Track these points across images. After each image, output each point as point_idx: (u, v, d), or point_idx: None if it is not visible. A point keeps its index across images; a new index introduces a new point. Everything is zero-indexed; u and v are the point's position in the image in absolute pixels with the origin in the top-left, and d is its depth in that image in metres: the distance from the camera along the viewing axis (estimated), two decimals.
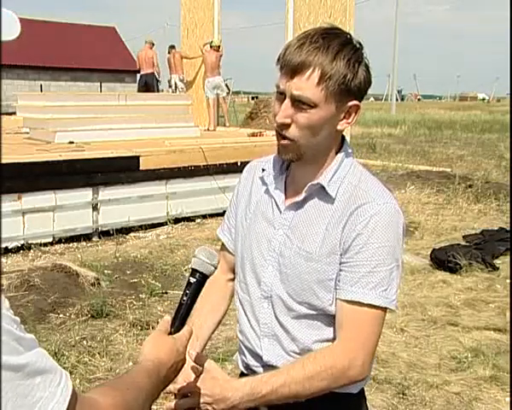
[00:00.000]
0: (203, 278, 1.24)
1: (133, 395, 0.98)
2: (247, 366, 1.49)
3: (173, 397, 1.36)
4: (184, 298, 1.23)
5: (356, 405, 1.44)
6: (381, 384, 3.54)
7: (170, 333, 1.20)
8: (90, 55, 28.65)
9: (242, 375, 1.49)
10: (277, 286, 1.38)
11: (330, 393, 1.31)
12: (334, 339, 1.35)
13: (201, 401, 1.28)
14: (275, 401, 1.28)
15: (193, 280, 1.24)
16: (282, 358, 1.40)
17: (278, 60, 1.29)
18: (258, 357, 1.44)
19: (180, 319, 1.22)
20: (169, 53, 14.02)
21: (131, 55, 27.74)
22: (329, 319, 1.35)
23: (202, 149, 7.80)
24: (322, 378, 1.26)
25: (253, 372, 1.45)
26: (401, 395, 3.44)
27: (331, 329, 1.36)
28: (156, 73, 15.02)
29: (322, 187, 1.34)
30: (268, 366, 1.41)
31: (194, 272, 1.24)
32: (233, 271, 1.55)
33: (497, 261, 5.90)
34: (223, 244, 1.59)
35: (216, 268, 1.27)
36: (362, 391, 1.45)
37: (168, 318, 1.23)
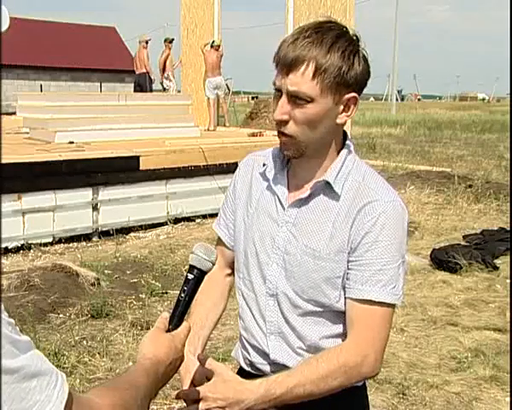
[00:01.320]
0: (201, 275, 1.23)
1: (131, 395, 0.98)
2: (251, 364, 1.48)
3: (183, 402, 1.33)
4: (182, 295, 1.22)
5: (360, 397, 1.46)
6: (381, 384, 3.54)
7: (168, 330, 1.19)
8: (90, 55, 28.67)
9: (242, 372, 1.48)
10: (283, 284, 1.37)
11: None
12: (340, 335, 1.36)
13: (214, 405, 1.26)
14: (290, 401, 1.28)
15: (190, 277, 1.22)
16: (288, 355, 1.39)
17: (274, 57, 1.29)
18: (264, 355, 1.43)
19: (178, 316, 1.21)
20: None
21: (131, 55, 27.73)
22: (336, 315, 1.36)
23: (202, 149, 7.80)
24: (336, 377, 1.27)
25: (258, 370, 1.44)
26: (401, 395, 3.44)
27: (337, 325, 1.36)
28: (150, 73, 14.68)
29: (328, 184, 1.33)
30: (275, 364, 1.41)
31: (191, 268, 1.23)
32: (230, 266, 1.54)
33: (497, 261, 5.89)
34: (219, 238, 1.56)
35: (214, 264, 1.26)
36: (365, 384, 1.47)
37: (166, 315, 1.22)
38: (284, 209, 1.38)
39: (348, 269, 1.32)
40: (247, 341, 1.48)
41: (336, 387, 1.28)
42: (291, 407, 1.30)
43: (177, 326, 1.20)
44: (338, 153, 1.36)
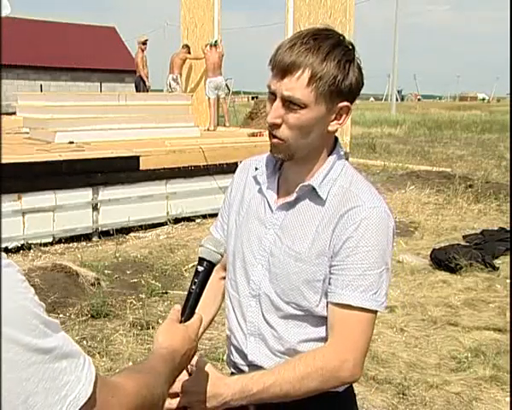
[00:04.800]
0: (211, 267, 1.27)
1: (154, 378, 1.01)
2: (234, 365, 1.50)
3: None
4: (193, 287, 1.26)
5: (343, 404, 1.44)
6: (381, 384, 3.54)
7: (180, 322, 1.22)
8: (90, 55, 28.67)
9: (232, 375, 1.49)
10: (266, 285, 1.39)
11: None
12: (321, 339, 1.37)
13: (194, 399, 1.28)
14: (267, 400, 1.29)
15: (200, 269, 1.26)
16: (266, 357, 1.40)
17: (270, 60, 1.30)
18: (243, 356, 1.45)
19: (190, 307, 1.25)
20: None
21: (131, 55, 27.74)
22: (316, 319, 1.36)
23: (202, 149, 7.80)
24: (312, 379, 1.27)
25: (241, 371, 1.46)
26: (401, 395, 3.44)
27: (317, 329, 1.37)
28: (143, 77, 14.17)
29: (313, 188, 1.35)
30: (253, 366, 1.42)
31: (201, 260, 1.27)
32: (225, 269, 1.55)
33: (497, 261, 5.90)
34: None
35: (223, 256, 1.29)
36: (349, 390, 1.45)
37: (178, 307, 1.25)
38: (272, 212, 1.40)
39: (330, 274, 1.32)
40: (230, 342, 1.51)
41: (313, 389, 1.29)
42: (269, 407, 1.31)
43: (189, 318, 1.23)
44: (328, 158, 1.38)
